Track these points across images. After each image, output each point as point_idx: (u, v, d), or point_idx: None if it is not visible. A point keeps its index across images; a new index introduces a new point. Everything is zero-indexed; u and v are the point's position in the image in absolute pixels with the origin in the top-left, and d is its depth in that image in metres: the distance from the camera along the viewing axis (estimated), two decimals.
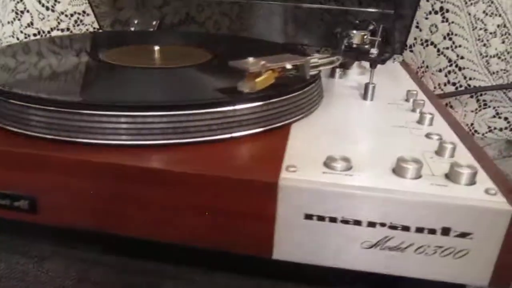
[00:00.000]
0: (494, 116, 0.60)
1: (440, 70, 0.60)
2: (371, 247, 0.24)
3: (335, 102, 0.38)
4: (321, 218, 0.24)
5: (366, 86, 0.39)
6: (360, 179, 0.24)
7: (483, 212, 0.23)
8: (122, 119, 0.26)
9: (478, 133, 0.62)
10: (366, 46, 0.45)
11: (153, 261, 0.30)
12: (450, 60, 0.59)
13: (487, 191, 0.24)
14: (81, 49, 0.43)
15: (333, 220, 0.24)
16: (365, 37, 0.46)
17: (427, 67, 0.61)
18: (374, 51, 0.42)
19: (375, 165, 0.26)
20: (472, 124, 0.62)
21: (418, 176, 0.25)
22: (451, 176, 0.25)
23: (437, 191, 0.23)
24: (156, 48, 0.40)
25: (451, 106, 0.62)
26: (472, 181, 0.24)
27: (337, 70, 0.47)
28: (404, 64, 0.57)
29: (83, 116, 0.26)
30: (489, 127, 0.61)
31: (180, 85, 0.33)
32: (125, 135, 0.26)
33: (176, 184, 0.25)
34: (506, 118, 0.60)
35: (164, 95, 0.31)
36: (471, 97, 0.60)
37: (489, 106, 0.60)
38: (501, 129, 0.61)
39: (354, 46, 0.45)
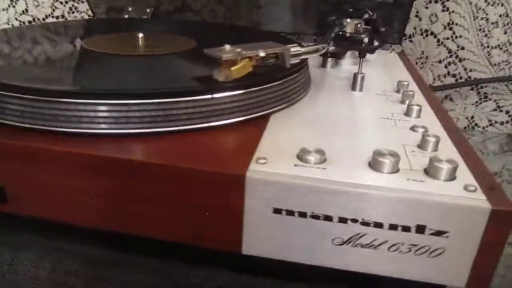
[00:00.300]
0: (495, 110, 0.59)
1: (440, 61, 0.58)
2: (342, 243, 0.23)
3: (322, 93, 0.37)
4: (290, 213, 0.23)
5: (355, 76, 0.38)
6: (332, 172, 0.23)
7: (459, 210, 0.21)
8: (88, 107, 0.25)
9: (479, 127, 0.60)
10: (362, 36, 0.44)
11: (132, 253, 0.30)
12: (450, 51, 0.57)
13: (466, 188, 0.22)
14: (64, 37, 0.42)
15: (302, 215, 0.23)
16: (359, 26, 0.45)
17: (426, 57, 0.59)
18: (365, 40, 0.41)
19: (351, 158, 0.25)
20: (472, 117, 0.60)
21: (395, 171, 0.24)
22: (429, 171, 0.24)
23: (412, 186, 0.22)
24: (140, 35, 0.39)
25: (451, 99, 0.60)
26: (451, 177, 0.23)
27: (329, 59, 0.46)
28: (402, 54, 0.55)
29: (56, 104, 0.26)
30: (489, 120, 0.59)
31: (156, 73, 0.32)
32: (89, 123, 0.26)
33: (140, 174, 0.24)
34: (507, 112, 0.58)
35: (139, 83, 0.30)
36: (472, 89, 0.58)
37: (490, 99, 0.58)
38: (502, 123, 0.59)
39: (347, 35, 0.44)
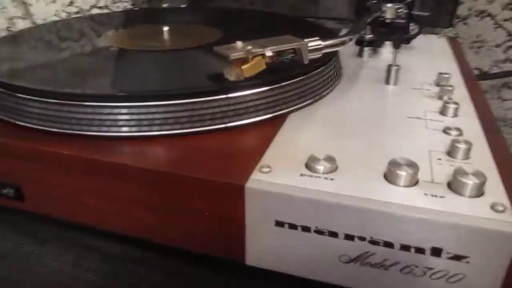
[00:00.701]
0: None
1: (497, 46, 0.52)
2: (350, 261, 0.21)
3: (352, 87, 0.35)
4: (293, 226, 0.21)
5: (389, 68, 0.35)
6: (341, 184, 0.21)
7: (482, 233, 0.19)
8: (89, 110, 0.25)
9: None
10: (403, 21, 0.40)
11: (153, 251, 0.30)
12: (509, 34, 0.51)
13: (493, 207, 0.19)
14: (89, 33, 0.42)
15: (306, 229, 0.21)
16: (399, 10, 0.41)
17: (482, 42, 0.53)
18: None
19: (366, 166, 0.23)
20: None
21: (413, 183, 0.21)
22: (453, 185, 0.21)
23: (429, 203, 0.20)
24: (165, 28, 0.38)
25: (509, 87, 0.54)
26: (478, 193, 0.20)
27: (366, 48, 0.42)
28: (452, 39, 0.50)
29: (58, 106, 0.26)
30: None
31: (166, 71, 0.31)
32: (86, 126, 0.26)
33: (135, 179, 0.23)
34: None
35: (144, 84, 0.29)
36: None
37: None
38: None
39: (387, 21, 0.41)
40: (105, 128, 0.25)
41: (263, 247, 0.23)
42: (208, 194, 0.22)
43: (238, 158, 0.24)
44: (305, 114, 0.29)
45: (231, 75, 0.26)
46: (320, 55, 0.29)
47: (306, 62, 0.28)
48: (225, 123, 0.26)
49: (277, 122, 0.28)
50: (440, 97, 0.32)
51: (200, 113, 0.25)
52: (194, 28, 0.42)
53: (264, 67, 0.27)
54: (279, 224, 0.22)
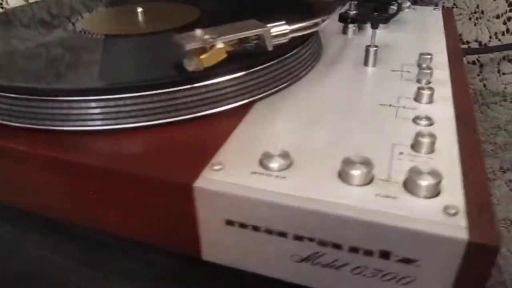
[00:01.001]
0: None
1: (497, 16, 0.49)
2: (301, 261, 0.21)
3: (329, 70, 0.33)
4: (243, 226, 0.21)
5: (367, 49, 0.33)
6: (291, 183, 0.21)
7: (429, 238, 0.18)
8: (47, 104, 0.25)
9: None
10: None
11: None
12: (510, 4, 0.48)
13: (445, 210, 0.19)
14: (54, 18, 0.41)
15: (256, 228, 0.21)
16: None
17: (482, 12, 0.51)
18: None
19: (322, 162, 0.22)
20: None
21: (367, 182, 0.20)
22: (407, 184, 0.20)
23: (380, 205, 0.19)
24: (140, 9, 0.37)
25: (509, 60, 0.51)
26: (433, 193, 0.19)
27: (350, 25, 0.40)
28: (448, 12, 0.47)
29: (18, 101, 0.25)
30: None
31: (129, 59, 0.30)
32: (46, 120, 0.25)
33: (87, 175, 0.23)
34: None
35: (102, 75, 0.28)
36: None
37: None
38: None
39: None
40: (59, 123, 0.25)
41: (217, 243, 0.22)
42: (159, 191, 0.22)
43: (192, 154, 0.23)
44: (273, 102, 0.28)
45: (190, 65, 0.25)
46: (287, 40, 0.27)
47: (270, 49, 0.27)
48: (180, 115, 0.25)
49: (240, 113, 0.27)
50: (419, 81, 0.31)
51: (154, 106, 0.25)
52: (170, 8, 0.41)
53: (224, 55, 0.25)
54: (229, 223, 0.21)
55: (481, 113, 0.58)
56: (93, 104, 0.24)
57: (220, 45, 0.24)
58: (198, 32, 0.25)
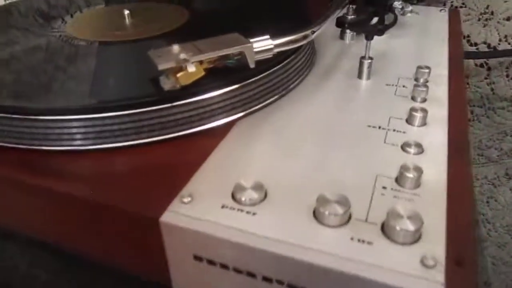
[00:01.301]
0: None
1: (508, 18, 0.47)
2: None
3: (319, 83, 0.31)
4: (211, 262, 0.20)
5: (361, 62, 0.31)
6: (262, 221, 0.19)
7: None
8: (14, 122, 0.24)
9: None
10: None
11: None
12: None
13: (423, 261, 0.17)
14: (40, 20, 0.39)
15: (224, 266, 0.20)
16: None
17: (492, 13, 0.48)
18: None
19: (297, 198, 0.21)
20: None
21: (343, 223, 0.19)
22: (386, 227, 0.19)
23: (352, 251, 0.18)
24: (126, 12, 0.35)
25: None
26: (412, 239, 0.18)
27: (347, 31, 0.38)
28: (454, 13, 0.45)
29: None
30: None
31: (105, 73, 0.28)
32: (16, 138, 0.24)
33: (53, 199, 0.22)
34: None
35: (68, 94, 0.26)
36: None
37: None
38: None
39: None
40: (25, 141, 0.24)
41: (186, 275, 0.22)
42: (127, 223, 0.21)
43: (162, 182, 0.22)
44: (256, 120, 0.27)
45: (165, 84, 0.24)
46: (271, 55, 0.26)
47: (252, 66, 0.25)
48: (153, 136, 0.24)
49: (219, 133, 0.25)
50: (413, 98, 0.29)
51: (124, 127, 0.23)
52: (158, 9, 0.39)
53: (202, 73, 0.24)
54: (197, 258, 0.20)
55: (487, 118, 0.56)
56: (50, 124, 0.23)
57: (192, 68, 0.22)
58: (175, 48, 0.24)
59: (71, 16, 0.38)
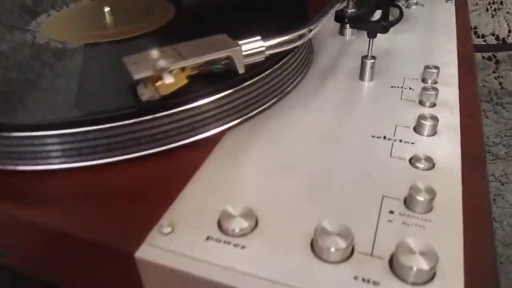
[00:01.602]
0: None
1: None
2: None
3: (318, 85, 0.29)
4: None
5: (363, 62, 0.28)
6: (253, 257, 0.17)
7: None
8: None
9: None
10: None
11: None
12: None
13: None
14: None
15: None
16: None
17: (501, 3, 0.45)
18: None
19: (293, 226, 0.18)
20: None
21: (345, 258, 0.17)
22: (394, 264, 0.16)
23: None
24: (107, 9, 0.32)
25: None
26: (425, 279, 0.16)
27: (347, 26, 0.35)
28: (461, 4, 0.42)
29: None
30: None
31: (78, 83, 0.25)
32: None
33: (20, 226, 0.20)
34: None
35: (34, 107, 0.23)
36: None
37: None
38: None
39: None
40: None
41: None
42: (100, 257, 0.18)
43: (140, 208, 0.19)
44: (247, 130, 0.24)
45: (143, 94, 0.21)
46: (263, 58, 0.23)
47: (241, 71, 0.22)
48: (129, 153, 0.21)
49: (207, 146, 0.23)
50: (421, 102, 0.26)
51: (95, 144, 0.21)
52: (142, 4, 0.36)
53: (184, 81, 0.21)
54: None
55: (495, 113, 0.54)
56: (14, 142, 0.20)
57: (170, 79, 0.19)
58: (153, 53, 0.21)
59: (48, 15, 0.35)
